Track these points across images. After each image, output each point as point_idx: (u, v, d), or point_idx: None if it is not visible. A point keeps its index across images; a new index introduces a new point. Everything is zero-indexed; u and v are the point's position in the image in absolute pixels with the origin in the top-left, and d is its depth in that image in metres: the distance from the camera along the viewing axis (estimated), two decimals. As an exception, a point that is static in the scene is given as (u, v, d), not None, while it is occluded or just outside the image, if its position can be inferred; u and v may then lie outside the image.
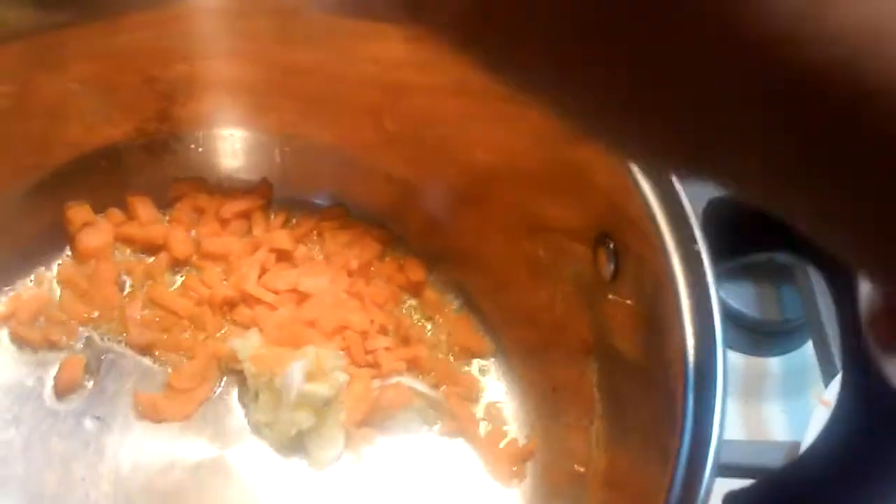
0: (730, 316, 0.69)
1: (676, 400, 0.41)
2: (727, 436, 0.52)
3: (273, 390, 0.56)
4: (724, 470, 0.41)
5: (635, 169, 0.47)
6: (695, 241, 0.43)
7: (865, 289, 0.36)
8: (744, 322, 0.70)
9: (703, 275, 0.42)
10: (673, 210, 0.45)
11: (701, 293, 0.42)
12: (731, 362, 0.68)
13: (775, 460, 0.57)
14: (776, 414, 0.69)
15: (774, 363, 0.71)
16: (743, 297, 0.71)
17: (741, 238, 0.45)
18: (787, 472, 0.38)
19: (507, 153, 0.58)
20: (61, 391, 0.57)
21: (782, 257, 0.42)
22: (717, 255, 0.44)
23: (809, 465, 0.38)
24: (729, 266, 0.45)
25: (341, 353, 0.59)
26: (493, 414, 0.60)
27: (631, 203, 0.47)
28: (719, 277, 0.67)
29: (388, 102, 0.61)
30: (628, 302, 0.51)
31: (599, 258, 0.52)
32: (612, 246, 0.51)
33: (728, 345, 0.68)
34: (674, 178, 0.45)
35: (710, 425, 0.38)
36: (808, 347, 0.69)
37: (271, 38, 0.59)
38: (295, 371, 0.56)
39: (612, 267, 0.51)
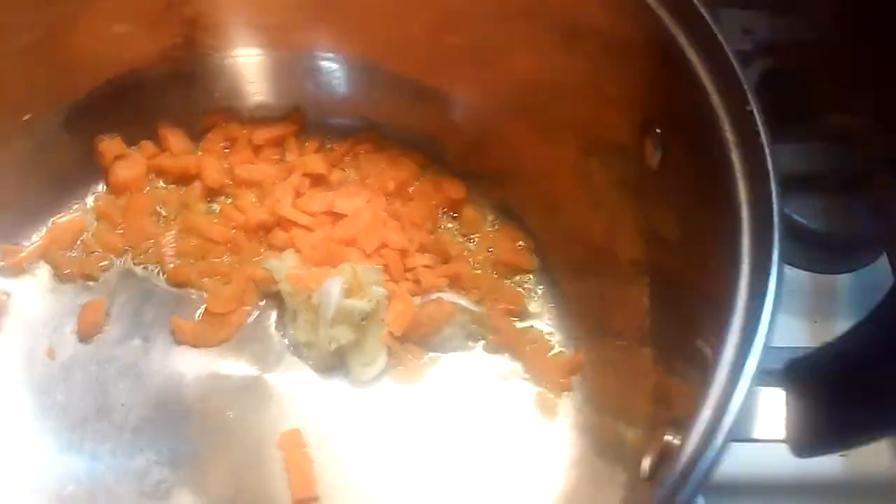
0: (794, 231, 0.64)
1: (722, 306, 0.37)
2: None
3: (311, 308, 0.55)
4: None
5: (683, 41, 0.44)
6: (747, 103, 0.39)
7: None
8: (809, 237, 0.64)
9: (758, 134, 0.38)
10: (723, 78, 0.42)
11: (754, 154, 0.38)
12: (796, 280, 0.64)
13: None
14: (848, 334, 0.64)
15: (844, 280, 0.66)
16: (808, 211, 0.65)
17: (795, 107, 0.42)
18: (848, 338, 0.35)
19: (550, 57, 0.55)
20: (85, 329, 0.56)
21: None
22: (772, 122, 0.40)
23: (870, 330, 0.34)
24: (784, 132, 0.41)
25: (379, 268, 0.57)
26: (538, 328, 0.58)
27: (678, 78, 0.44)
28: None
29: (415, 5, 0.58)
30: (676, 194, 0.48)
31: (646, 148, 0.49)
32: (658, 131, 0.48)
33: (792, 262, 0.65)
34: (721, 41, 0.42)
35: (755, 335, 0.35)
36: (882, 262, 0.64)
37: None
38: (332, 286, 0.54)
39: (658, 154, 0.48)
